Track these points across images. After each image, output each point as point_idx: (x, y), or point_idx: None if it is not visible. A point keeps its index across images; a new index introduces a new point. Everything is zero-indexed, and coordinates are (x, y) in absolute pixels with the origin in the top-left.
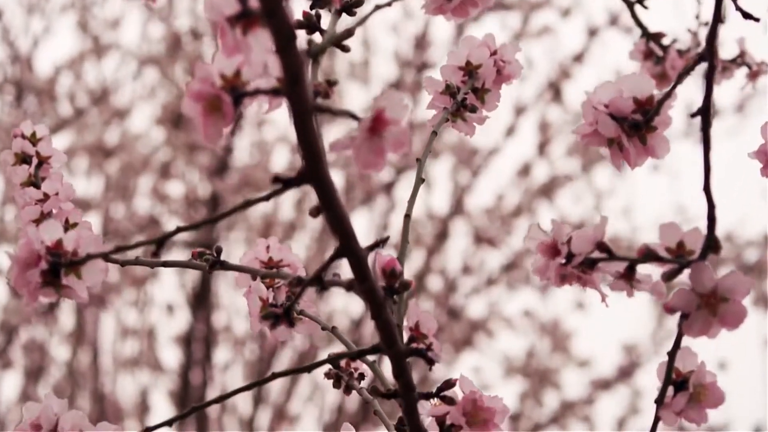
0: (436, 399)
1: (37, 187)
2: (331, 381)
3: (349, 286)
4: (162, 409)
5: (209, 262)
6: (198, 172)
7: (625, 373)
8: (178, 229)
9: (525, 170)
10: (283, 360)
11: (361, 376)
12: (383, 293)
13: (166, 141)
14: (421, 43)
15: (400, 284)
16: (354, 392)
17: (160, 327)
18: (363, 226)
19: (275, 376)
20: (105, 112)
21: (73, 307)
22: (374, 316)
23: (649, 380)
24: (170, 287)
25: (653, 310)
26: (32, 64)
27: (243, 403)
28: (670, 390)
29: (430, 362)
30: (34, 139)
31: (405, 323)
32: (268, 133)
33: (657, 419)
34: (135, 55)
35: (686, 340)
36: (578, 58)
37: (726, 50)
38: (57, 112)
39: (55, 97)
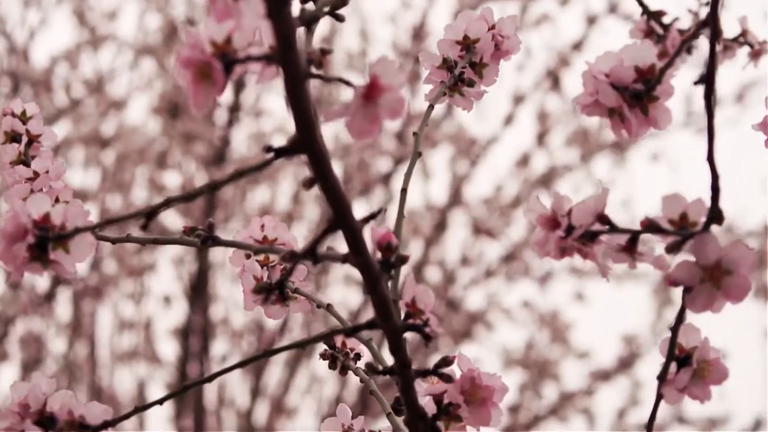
0: (433, 377)
1: (27, 165)
2: (327, 364)
3: (343, 260)
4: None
5: (201, 237)
6: (195, 163)
7: (625, 364)
8: (168, 201)
9: (524, 161)
10: (282, 353)
11: (357, 357)
12: (379, 267)
13: (163, 131)
14: (419, 33)
15: (396, 258)
16: (352, 384)
17: (158, 319)
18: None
19: (267, 353)
20: (101, 102)
21: (71, 299)
22: (369, 290)
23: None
24: (167, 279)
25: (653, 301)
26: (29, 55)
27: (240, 396)
28: (673, 367)
29: (427, 337)
30: (24, 118)
31: (401, 300)
32: (266, 124)
33: (659, 397)
34: (131, 46)
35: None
36: (577, 46)
37: (728, 31)
38: (53, 102)
39: (52, 88)
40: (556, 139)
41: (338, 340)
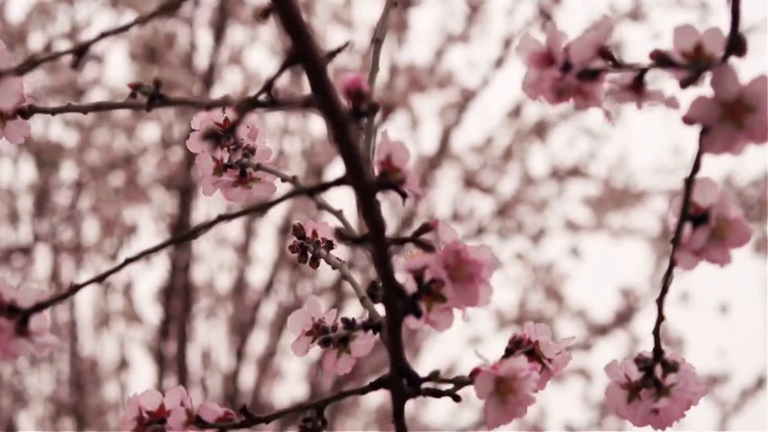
0: (412, 250)
1: None
2: (297, 258)
3: (305, 103)
4: (141, 364)
5: (148, 96)
6: (173, 111)
7: (623, 318)
8: (102, 35)
9: (516, 112)
10: (266, 314)
11: (329, 245)
12: (347, 113)
13: (140, 77)
14: None
15: (367, 106)
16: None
17: (139, 282)
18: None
19: (221, 218)
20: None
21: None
22: (336, 138)
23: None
24: (149, 241)
25: (651, 254)
26: (3, 8)
27: (225, 359)
28: (688, 229)
29: (404, 196)
30: None
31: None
32: (246, 70)
33: (672, 264)
34: None
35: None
36: None
37: None
38: (27, 53)
39: (26, 37)
40: None
41: (308, 229)
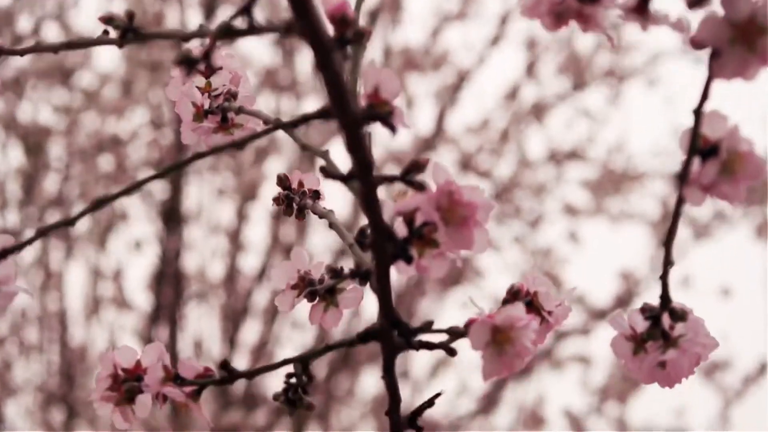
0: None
1: None
2: (282, 210)
3: (286, 28)
4: None
5: (120, 30)
6: (163, 93)
7: (622, 302)
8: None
9: (512, 94)
10: (259, 301)
11: (316, 195)
12: (332, 40)
13: (128, 58)
14: None
15: (353, 33)
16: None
17: (130, 269)
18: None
19: (198, 156)
20: (64, 31)
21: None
22: (320, 65)
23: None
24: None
25: (651, 238)
26: None
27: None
28: (696, 163)
29: (392, 128)
30: None
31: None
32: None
33: (680, 201)
34: None
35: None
36: None
37: None
38: (14, 33)
39: (12, 19)
40: (546, 68)
41: (294, 180)
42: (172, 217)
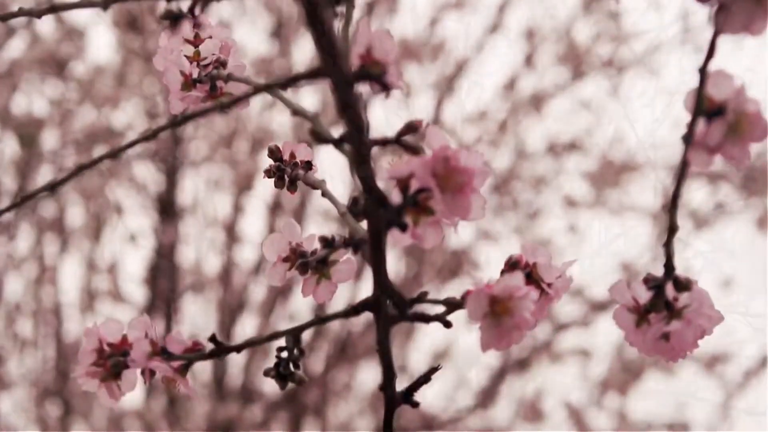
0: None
1: None
2: (273, 183)
3: None
4: None
5: None
6: (158, 82)
7: None
8: None
9: (511, 84)
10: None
11: (308, 165)
12: None
13: (122, 46)
14: None
15: None
16: (331, 326)
17: (124, 262)
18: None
19: (186, 119)
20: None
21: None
22: (310, 22)
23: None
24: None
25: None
26: None
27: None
28: (702, 124)
29: (386, 88)
30: None
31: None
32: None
33: (685, 163)
34: None
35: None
36: None
37: None
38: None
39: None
40: (544, 58)
41: (286, 151)
42: (167, 209)
